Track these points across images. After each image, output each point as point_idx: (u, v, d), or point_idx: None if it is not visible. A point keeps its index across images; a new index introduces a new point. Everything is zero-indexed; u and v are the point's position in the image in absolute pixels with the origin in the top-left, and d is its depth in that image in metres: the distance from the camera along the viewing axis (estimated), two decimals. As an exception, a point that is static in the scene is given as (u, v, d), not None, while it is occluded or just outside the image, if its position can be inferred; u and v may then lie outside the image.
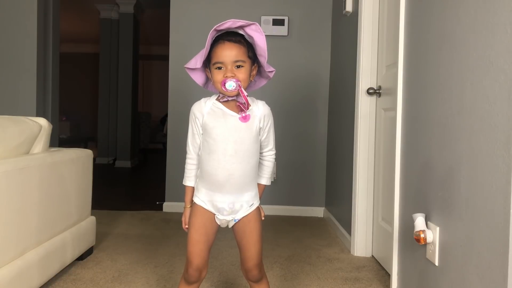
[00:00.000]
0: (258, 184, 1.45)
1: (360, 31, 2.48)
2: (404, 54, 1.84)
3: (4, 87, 3.66)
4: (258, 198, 1.43)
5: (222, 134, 1.33)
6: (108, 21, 6.86)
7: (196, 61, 1.35)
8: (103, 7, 6.73)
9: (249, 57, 1.33)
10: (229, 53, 1.29)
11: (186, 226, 1.42)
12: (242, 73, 1.30)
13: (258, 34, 1.32)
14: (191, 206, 1.42)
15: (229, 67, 1.29)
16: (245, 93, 1.29)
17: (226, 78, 1.28)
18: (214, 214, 1.38)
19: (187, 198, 1.44)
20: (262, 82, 1.47)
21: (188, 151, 1.42)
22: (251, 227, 1.39)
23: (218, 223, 1.40)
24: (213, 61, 1.31)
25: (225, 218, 1.38)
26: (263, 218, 1.44)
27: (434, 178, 1.52)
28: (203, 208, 1.38)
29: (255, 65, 1.38)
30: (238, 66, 1.30)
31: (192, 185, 1.43)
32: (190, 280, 1.40)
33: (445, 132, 1.44)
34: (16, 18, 3.65)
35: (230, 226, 1.41)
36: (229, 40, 1.30)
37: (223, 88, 1.29)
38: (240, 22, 1.31)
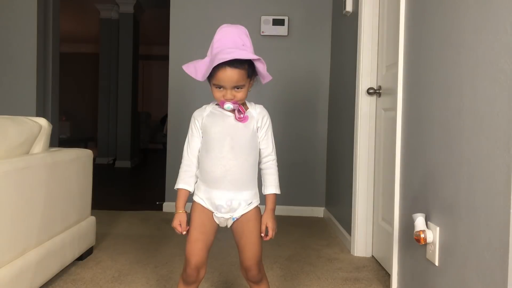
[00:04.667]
0: (268, 195, 1.42)
1: (360, 31, 2.47)
2: (404, 54, 1.84)
3: (4, 87, 3.66)
4: (258, 198, 1.43)
5: (220, 132, 1.36)
6: (108, 21, 6.86)
7: (196, 72, 1.34)
8: (103, 7, 6.73)
9: (248, 76, 1.34)
10: (229, 79, 1.30)
11: (185, 232, 1.38)
12: (241, 93, 1.34)
13: (260, 64, 1.33)
14: (183, 212, 1.39)
15: (229, 90, 1.32)
16: (245, 111, 1.37)
17: (225, 100, 1.32)
18: (213, 213, 1.38)
19: (179, 203, 1.40)
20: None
21: (183, 155, 1.43)
22: (250, 227, 1.39)
23: (217, 222, 1.40)
24: (213, 81, 1.33)
25: (223, 216, 1.38)
26: (269, 237, 1.40)
27: (434, 178, 1.52)
28: (202, 206, 1.39)
29: (253, 77, 1.38)
30: (238, 87, 1.32)
31: (184, 188, 1.41)
32: (188, 280, 1.39)
33: (445, 132, 1.44)
34: (16, 18, 3.65)
35: (229, 225, 1.41)
36: (230, 66, 1.28)
37: (222, 107, 1.35)
38: (244, 56, 1.28)
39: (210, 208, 1.38)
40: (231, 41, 1.31)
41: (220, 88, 1.32)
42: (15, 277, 1.54)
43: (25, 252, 1.65)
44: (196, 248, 1.37)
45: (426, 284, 1.58)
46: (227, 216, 1.38)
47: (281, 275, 2.11)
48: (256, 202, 1.41)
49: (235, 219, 1.39)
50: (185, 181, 1.41)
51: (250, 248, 1.39)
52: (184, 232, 1.38)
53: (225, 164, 1.35)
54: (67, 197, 2.01)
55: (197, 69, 1.34)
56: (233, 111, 1.36)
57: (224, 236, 2.39)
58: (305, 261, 2.33)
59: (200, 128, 1.40)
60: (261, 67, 1.34)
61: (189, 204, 1.40)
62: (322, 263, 2.32)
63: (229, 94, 1.31)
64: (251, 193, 1.40)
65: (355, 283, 2.03)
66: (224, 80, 1.30)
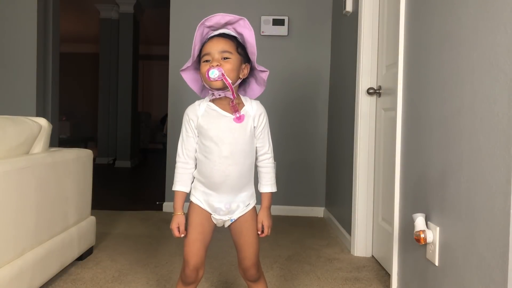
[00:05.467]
0: (264, 193, 1.41)
1: (360, 31, 2.48)
2: (404, 54, 1.84)
3: (4, 87, 3.66)
4: (254, 198, 1.42)
5: (217, 136, 1.33)
6: (108, 21, 6.86)
7: (190, 60, 1.39)
8: (103, 7, 6.73)
9: (238, 52, 1.33)
10: (216, 44, 1.31)
11: (183, 235, 1.37)
12: (229, 64, 1.30)
13: (247, 30, 1.34)
14: (181, 214, 1.37)
15: (216, 56, 1.30)
16: (229, 81, 1.28)
17: (210, 67, 1.28)
18: (210, 214, 1.38)
19: (177, 205, 1.38)
20: (257, 89, 1.46)
21: (178, 155, 1.40)
22: (247, 227, 1.39)
23: (214, 222, 1.40)
24: (202, 54, 1.34)
25: (221, 218, 1.38)
26: (265, 234, 1.39)
27: (434, 178, 1.52)
28: (200, 207, 1.38)
29: (247, 64, 1.38)
30: (225, 58, 1.31)
31: (182, 190, 1.39)
32: (187, 281, 1.39)
33: (445, 132, 1.44)
34: (16, 18, 3.65)
35: (226, 225, 1.41)
36: (219, 35, 1.33)
37: (207, 77, 1.28)
38: (229, 17, 1.33)
39: (208, 210, 1.38)
40: (219, 16, 1.36)
41: (207, 61, 1.31)
42: (15, 277, 1.54)
43: (25, 252, 1.65)
44: (195, 249, 1.36)
45: (426, 284, 1.58)
46: (225, 218, 1.38)
47: (281, 275, 2.11)
48: (253, 202, 1.41)
49: (233, 221, 1.39)
50: (182, 183, 1.39)
51: (248, 248, 1.39)
52: (182, 235, 1.37)
53: (224, 170, 1.33)
54: (67, 197, 2.01)
55: (190, 60, 1.38)
56: (232, 110, 1.34)
57: (224, 236, 2.39)
58: (305, 261, 2.33)
59: (195, 128, 1.37)
60: (248, 35, 1.33)
61: (186, 204, 1.40)
62: (322, 263, 2.32)
63: (215, 61, 1.29)
64: (249, 194, 1.40)
65: (355, 283, 2.03)
66: (210, 47, 1.31)
